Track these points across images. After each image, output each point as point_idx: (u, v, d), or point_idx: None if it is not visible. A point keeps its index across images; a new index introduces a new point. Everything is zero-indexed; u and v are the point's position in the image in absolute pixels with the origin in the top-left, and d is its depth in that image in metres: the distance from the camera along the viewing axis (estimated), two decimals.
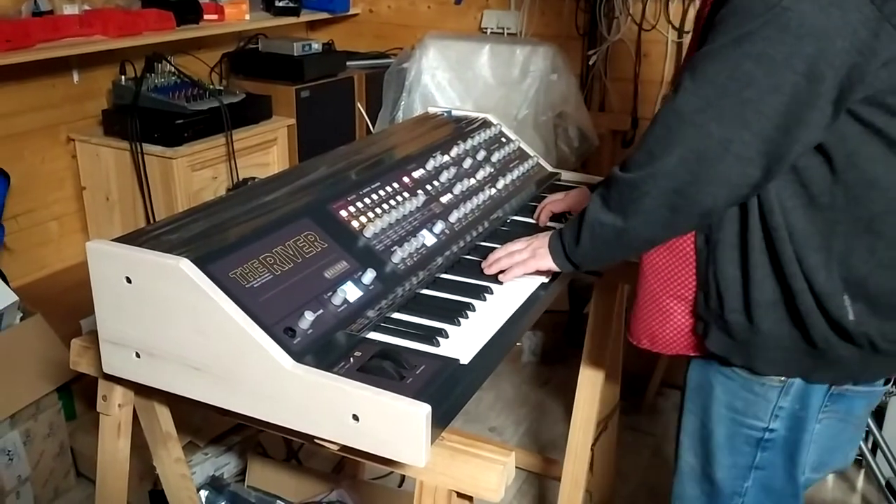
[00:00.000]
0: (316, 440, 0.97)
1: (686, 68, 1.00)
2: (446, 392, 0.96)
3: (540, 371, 2.84)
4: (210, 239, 1.08)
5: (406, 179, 1.43)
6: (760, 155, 0.97)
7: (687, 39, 3.01)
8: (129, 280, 1.02)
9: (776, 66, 0.93)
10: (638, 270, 1.20)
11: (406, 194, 1.39)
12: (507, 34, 3.35)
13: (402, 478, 2.13)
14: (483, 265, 1.30)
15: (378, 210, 1.31)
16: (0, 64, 2.14)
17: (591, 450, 1.78)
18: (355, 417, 0.91)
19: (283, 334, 0.98)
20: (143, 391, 1.25)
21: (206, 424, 2.14)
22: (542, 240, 1.25)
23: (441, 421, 0.93)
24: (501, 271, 1.27)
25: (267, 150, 2.90)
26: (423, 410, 0.88)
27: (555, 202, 1.50)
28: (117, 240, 1.06)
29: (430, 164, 1.51)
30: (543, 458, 2.16)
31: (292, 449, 2.13)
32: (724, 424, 1.18)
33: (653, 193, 1.03)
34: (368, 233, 1.24)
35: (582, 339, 1.75)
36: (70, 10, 2.42)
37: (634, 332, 1.22)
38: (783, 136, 0.96)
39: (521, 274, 1.26)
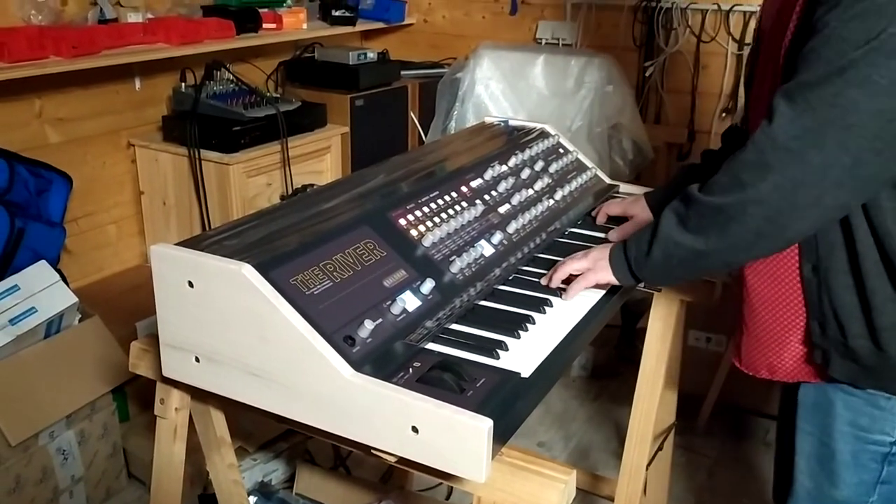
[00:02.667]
0: (373, 451, 0.96)
1: (781, 95, 0.99)
2: (507, 406, 0.94)
3: (590, 386, 2.79)
4: (271, 245, 1.08)
5: (464, 189, 1.42)
6: (855, 178, 0.96)
7: (748, 51, 2.94)
8: (191, 284, 1.02)
9: (881, 91, 0.92)
10: (741, 299, 1.19)
11: (464, 204, 1.37)
12: (563, 45, 3.33)
13: (450, 489, 2.11)
14: (543, 280, 1.28)
15: (436, 219, 1.29)
16: (68, 69, 2.20)
17: (646, 470, 1.73)
18: (414, 429, 0.90)
19: (343, 342, 0.97)
20: (200, 396, 1.25)
21: (255, 430, 2.15)
22: (603, 251, 1.23)
23: (501, 436, 0.91)
24: (563, 287, 1.25)
25: (321, 158, 2.92)
26: (485, 425, 0.86)
27: (611, 205, 1.54)
28: (180, 244, 1.07)
29: (488, 174, 1.49)
30: (593, 476, 2.11)
31: (340, 457, 2.12)
32: (848, 442, 1.16)
33: (741, 219, 1.02)
34: (427, 242, 1.23)
35: (633, 355, 1.71)
36: (134, 18, 2.47)
37: (751, 364, 1.21)
38: (877, 157, 0.95)
39: (582, 289, 1.24)
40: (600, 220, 1.55)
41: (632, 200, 1.54)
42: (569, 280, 1.26)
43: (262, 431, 2.16)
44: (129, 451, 2.22)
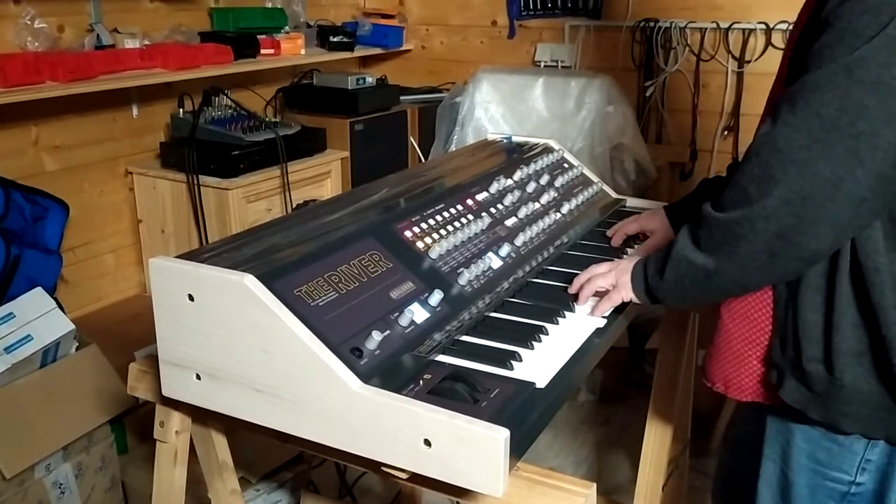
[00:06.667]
0: (383, 468, 0.91)
1: (785, 99, 0.92)
2: (523, 417, 0.90)
3: (599, 410, 2.74)
4: (274, 256, 1.04)
5: (470, 202, 1.39)
6: (875, 194, 0.89)
7: (748, 69, 2.94)
8: (191, 298, 0.98)
9: (893, 95, 0.85)
10: (714, 306, 1.13)
11: (470, 216, 1.34)
12: (562, 67, 3.32)
13: None
14: (571, 289, 1.23)
15: (442, 231, 1.26)
16: (63, 94, 2.18)
17: (662, 491, 1.68)
18: (427, 443, 0.85)
19: (350, 354, 0.93)
20: (201, 418, 1.21)
21: (257, 460, 2.09)
22: (627, 265, 1.17)
23: (517, 448, 0.87)
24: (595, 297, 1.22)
25: (321, 183, 2.90)
26: (502, 435, 0.81)
27: (628, 224, 1.46)
28: (180, 257, 1.03)
29: (494, 188, 1.46)
30: (607, 500, 2.06)
31: (346, 484, 2.06)
32: (805, 476, 1.09)
33: (749, 237, 0.95)
34: (434, 254, 1.19)
35: (642, 378, 1.66)
36: (131, 44, 2.46)
37: (710, 375, 1.15)
38: (895, 169, 0.88)
39: (610, 309, 1.18)
40: (617, 241, 1.46)
41: (647, 215, 1.45)
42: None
43: (264, 461, 2.10)
44: (128, 485, 2.16)
